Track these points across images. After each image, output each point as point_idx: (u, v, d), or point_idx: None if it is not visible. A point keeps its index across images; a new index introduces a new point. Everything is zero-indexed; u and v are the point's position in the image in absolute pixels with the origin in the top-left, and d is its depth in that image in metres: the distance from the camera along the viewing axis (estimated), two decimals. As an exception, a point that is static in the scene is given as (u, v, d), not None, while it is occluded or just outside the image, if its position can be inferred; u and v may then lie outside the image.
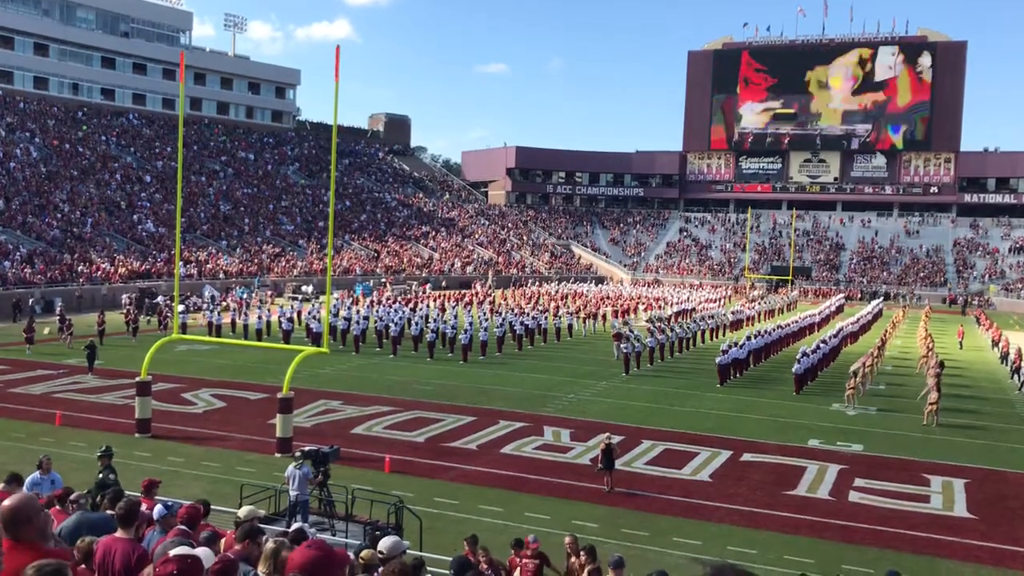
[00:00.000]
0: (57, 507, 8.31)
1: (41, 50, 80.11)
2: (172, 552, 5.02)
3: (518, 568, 11.37)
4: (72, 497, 7.97)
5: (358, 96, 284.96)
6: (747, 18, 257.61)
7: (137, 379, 21.86)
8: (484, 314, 43.85)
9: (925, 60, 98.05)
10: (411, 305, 48.23)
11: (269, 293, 58.08)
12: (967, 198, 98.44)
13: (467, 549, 11.12)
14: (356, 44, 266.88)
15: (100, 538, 6.35)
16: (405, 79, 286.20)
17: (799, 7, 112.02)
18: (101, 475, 13.14)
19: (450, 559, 9.66)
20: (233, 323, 41.45)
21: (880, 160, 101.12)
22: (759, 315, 55.62)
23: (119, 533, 6.42)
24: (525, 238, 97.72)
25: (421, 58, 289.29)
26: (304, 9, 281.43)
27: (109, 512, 7.52)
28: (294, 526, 9.52)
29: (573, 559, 11.37)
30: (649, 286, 78.57)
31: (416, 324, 38.36)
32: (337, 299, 47.86)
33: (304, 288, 59.88)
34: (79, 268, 52.76)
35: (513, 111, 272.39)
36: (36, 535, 4.53)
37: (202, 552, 5.43)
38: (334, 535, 13.24)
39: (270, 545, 5.32)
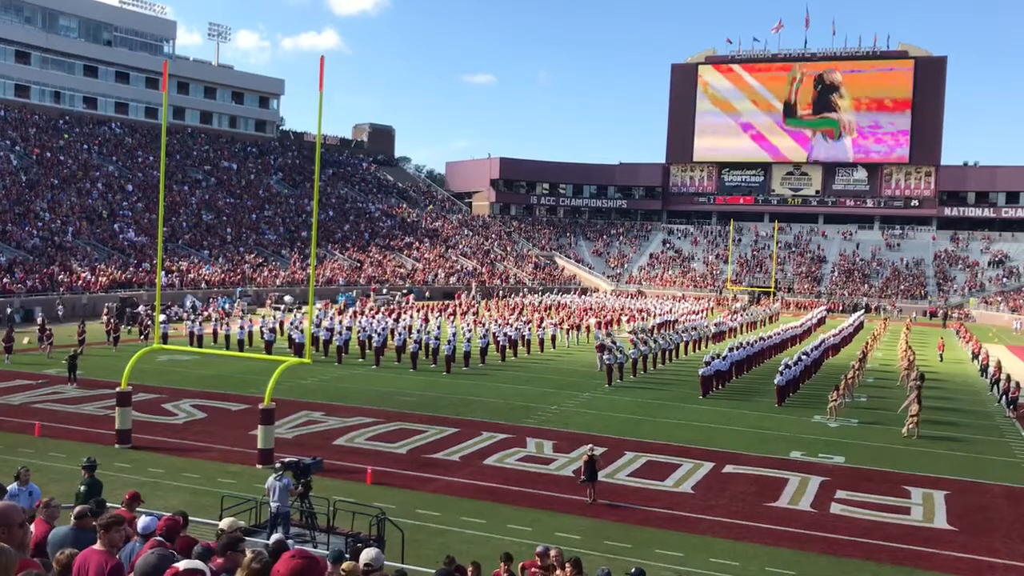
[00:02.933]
0: (41, 517, 8.24)
1: (23, 58, 79.67)
2: (183, 567, 5.03)
3: None
4: (77, 512, 7.87)
5: (344, 106, 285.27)
6: (731, 32, 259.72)
7: (117, 389, 21.68)
8: (467, 325, 43.79)
9: (906, 74, 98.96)
10: (394, 316, 48.16)
11: (268, 302, 58.32)
12: (947, 211, 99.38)
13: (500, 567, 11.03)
14: (344, 54, 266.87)
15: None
16: (391, 89, 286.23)
17: (778, 22, 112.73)
18: (82, 487, 13.00)
19: (433, 572, 9.63)
20: (215, 333, 41.24)
21: (861, 173, 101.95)
22: (741, 327, 55.84)
23: (96, 545, 6.37)
24: (509, 249, 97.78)
25: (408, 68, 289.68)
26: (292, 19, 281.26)
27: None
28: (273, 537, 9.46)
29: (558, 572, 11.32)
30: (632, 297, 78.78)
31: (399, 335, 38.29)
32: (320, 309, 47.72)
33: (284, 298, 59.59)
34: (60, 277, 52.37)
35: (498, 122, 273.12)
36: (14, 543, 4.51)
37: (200, 564, 5.43)
38: (315, 547, 13.16)
39: (248, 556, 5.29)
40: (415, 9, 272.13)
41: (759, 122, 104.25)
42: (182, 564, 5.25)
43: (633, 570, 10.30)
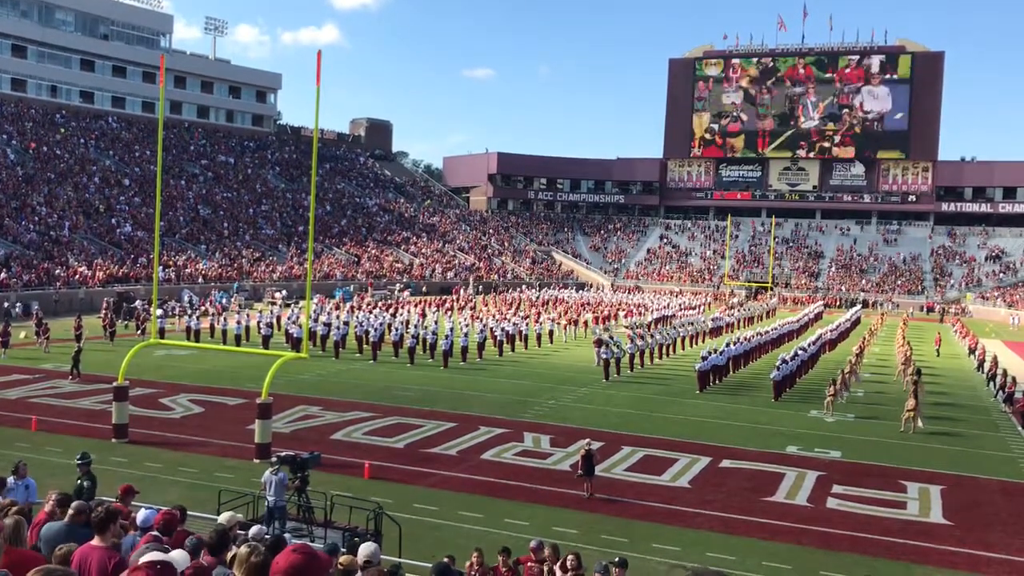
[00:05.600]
0: (46, 509, 8.24)
1: (19, 52, 79.41)
2: (143, 559, 4.97)
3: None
4: (74, 506, 7.84)
5: (343, 101, 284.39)
6: (728, 27, 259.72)
7: (114, 384, 21.69)
8: (465, 320, 43.79)
9: (903, 70, 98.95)
10: (391, 310, 48.15)
11: (277, 293, 58.54)
12: (944, 207, 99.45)
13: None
14: (344, 49, 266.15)
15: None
16: (391, 84, 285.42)
17: (779, 19, 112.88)
18: (79, 482, 13.03)
19: (429, 566, 9.64)
20: (212, 328, 41.20)
21: (859, 168, 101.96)
22: (738, 322, 55.88)
23: (95, 541, 6.36)
24: (506, 244, 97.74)
25: (408, 63, 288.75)
26: (292, 13, 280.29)
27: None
28: (254, 529, 9.38)
29: (556, 568, 11.33)
30: (629, 292, 78.79)
31: (396, 330, 38.29)
32: (317, 304, 47.67)
33: (276, 293, 59.45)
34: (56, 272, 52.29)
35: (498, 117, 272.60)
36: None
37: (176, 555, 5.38)
38: (313, 541, 13.17)
39: (243, 549, 5.28)
40: (416, 3, 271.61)
41: (756, 117, 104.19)
42: (145, 557, 5.20)
43: (617, 559, 10.35)
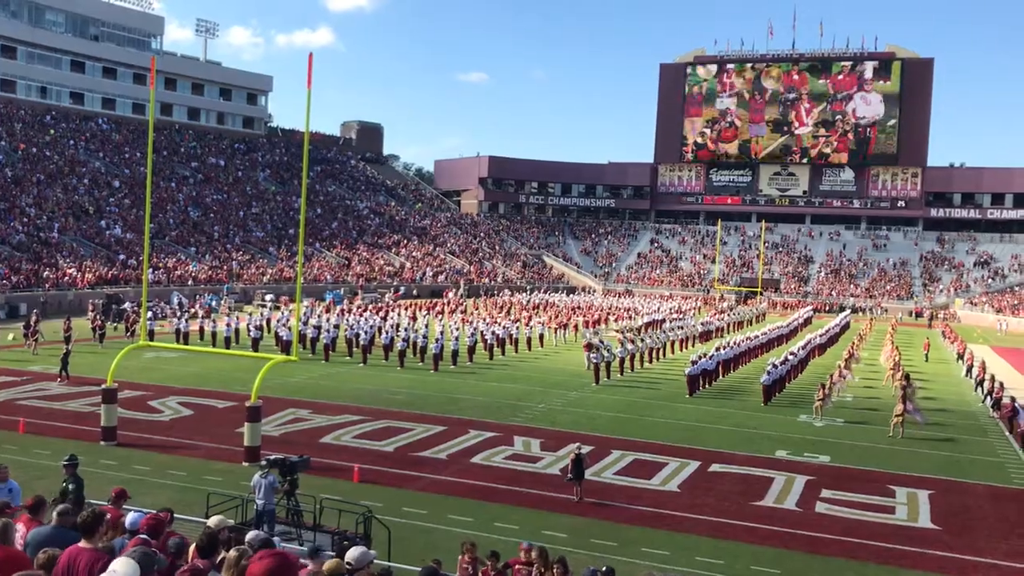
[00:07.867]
0: (28, 515, 8.20)
1: (9, 52, 79.11)
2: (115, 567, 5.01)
3: None
4: (59, 510, 7.80)
5: (336, 104, 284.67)
6: (719, 33, 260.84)
7: (103, 386, 21.58)
8: (455, 323, 43.76)
9: (893, 76, 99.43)
10: (381, 314, 48.09)
11: (279, 299, 58.28)
12: (933, 212, 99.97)
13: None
14: (338, 52, 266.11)
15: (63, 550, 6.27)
16: (385, 86, 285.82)
17: (769, 26, 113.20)
18: (65, 484, 12.96)
19: (418, 569, 9.61)
20: (201, 330, 41.06)
21: (848, 174, 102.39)
22: (728, 326, 55.99)
23: (83, 543, 6.34)
24: (497, 248, 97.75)
25: (402, 65, 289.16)
26: (286, 16, 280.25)
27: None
28: (251, 534, 9.36)
29: (544, 572, 11.32)
30: (620, 296, 78.88)
31: (386, 333, 38.23)
32: (307, 307, 47.57)
33: (266, 296, 59.22)
34: (45, 273, 52.05)
35: (491, 120, 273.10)
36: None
37: (118, 566, 5.33)
38: (301, 545, 13.13)
39: (232, 553, 5.28)
40: (411, 7, 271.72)
41: (747, 122, 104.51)
42: (115, 564, 5.20)
43: (604, 568, 10.35)
